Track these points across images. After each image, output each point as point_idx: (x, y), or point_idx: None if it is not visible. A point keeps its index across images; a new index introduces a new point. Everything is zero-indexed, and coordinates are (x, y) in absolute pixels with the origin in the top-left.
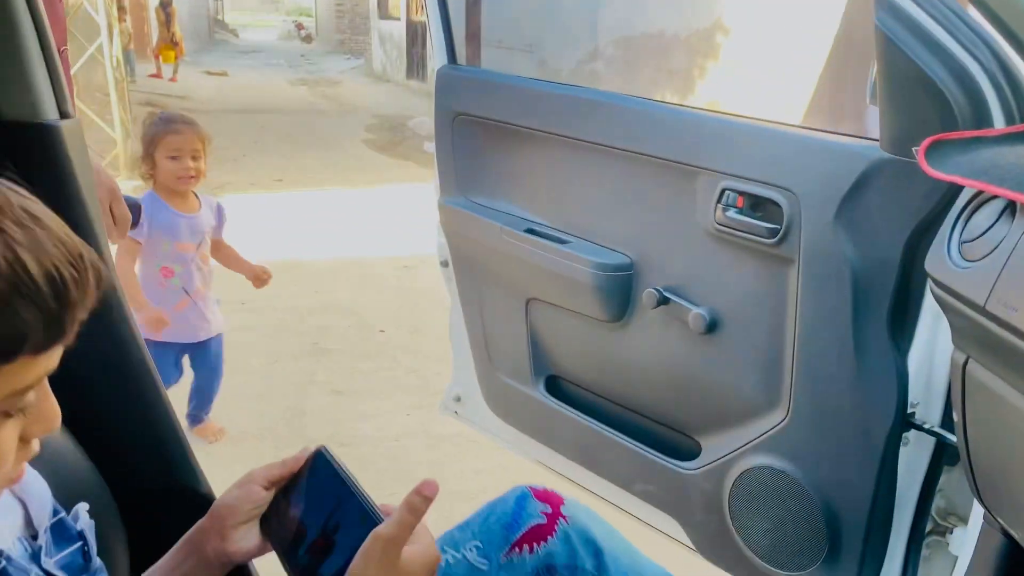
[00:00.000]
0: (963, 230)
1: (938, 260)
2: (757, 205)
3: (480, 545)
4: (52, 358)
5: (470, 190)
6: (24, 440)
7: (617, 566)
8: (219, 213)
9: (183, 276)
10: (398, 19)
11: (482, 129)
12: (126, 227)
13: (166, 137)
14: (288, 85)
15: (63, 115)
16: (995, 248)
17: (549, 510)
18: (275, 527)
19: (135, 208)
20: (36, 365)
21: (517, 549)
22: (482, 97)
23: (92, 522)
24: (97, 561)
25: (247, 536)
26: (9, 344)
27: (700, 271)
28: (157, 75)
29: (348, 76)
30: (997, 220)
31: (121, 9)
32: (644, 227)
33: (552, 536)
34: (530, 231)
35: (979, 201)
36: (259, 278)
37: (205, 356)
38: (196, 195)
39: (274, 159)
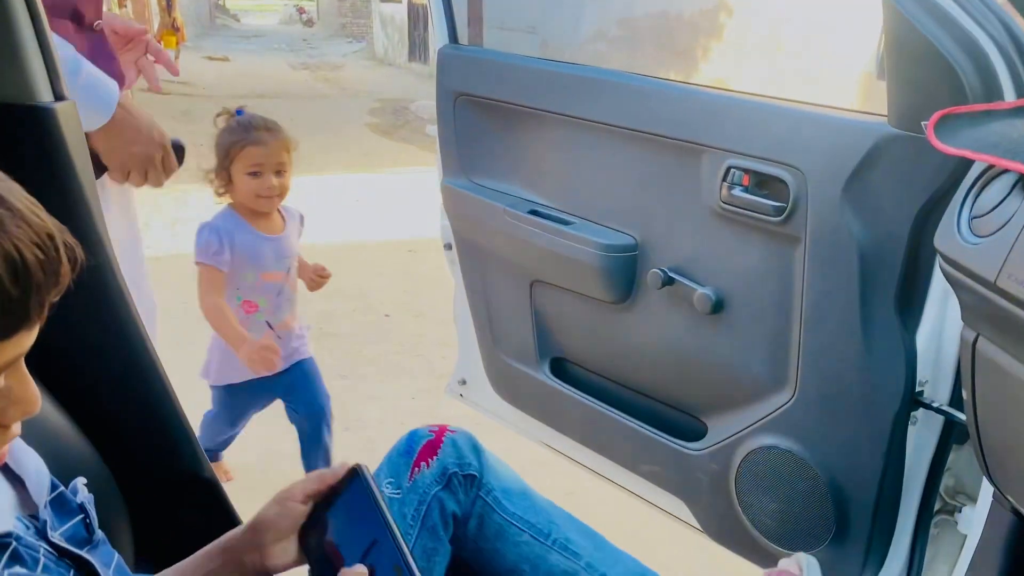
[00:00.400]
0: (973, 205)
1: (947, 236)
2: (763, 183)
3: (392, 480)
4: (21, 342)
5: (473, 171)
6: (2, 425)
7: (495, 464)
8: (301, 225)
9: (268, 310)
10: (399, 2)
11: (484, 109)
12: (172, 173)
13: (245, 149)
14: (290, 70)
15: (57, 97)
16: (1006, 223)
17: (436, 429)
18: (312, 545)
19: (179, 149)
20: (3, 350)
21: (417, 468)
22: (484, 77)
23: (91, 495)
24: (99, 533)
25: (286, 551)
26: None
27: (705, 251)
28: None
29: (350, 60)
30: (1008, 195)
31: None
32: (648, 207)
33: (441, 447)
34: (533, 212)
35: (989, 176)
36: (314, 280)
37: (293, 387)
38: (280, 210)
39: None
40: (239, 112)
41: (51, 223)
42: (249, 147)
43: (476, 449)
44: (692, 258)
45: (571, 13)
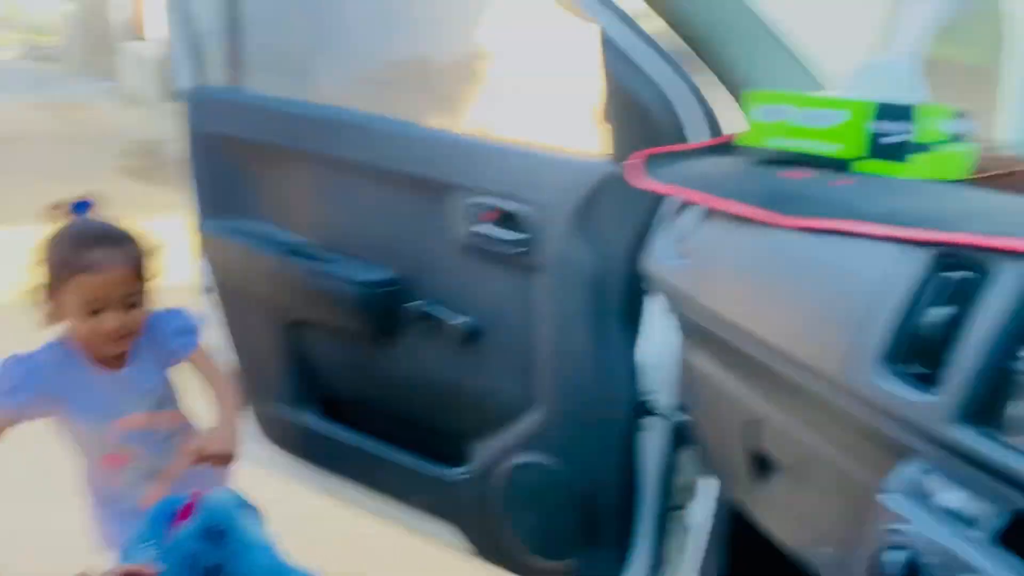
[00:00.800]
0: (674, 231)
1: (655, 259)
2: (505, 218)
3: (153, 541)
4: None
5: (229, 213)
6: None
7: (250, 522)
8: (183, 329)
9: (143, 458)
10: (148, 40)
11: (238, 151)
12: None
13: (77, 278)
14: (29, 110)
15: None
16: (697, 246)
17: (193, 494)
18: None
19: None
20: None
21: (175, 527)
22: (237, 119)
23: None
24: None
25: None
26: None
27: (458, 283)
28: None
29: (97, 99)
30: (698, 222)
31: None
32: (405, 243)
33: (196, 509)
34: (292, 251)
35: (685, 205)
36: (201, 452)
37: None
38: None
39: (17, 193)
40: (79, 207)
41: None
42: (81, 276)
43: (233, 509)
44: (447, 290)
45: (340, 56)
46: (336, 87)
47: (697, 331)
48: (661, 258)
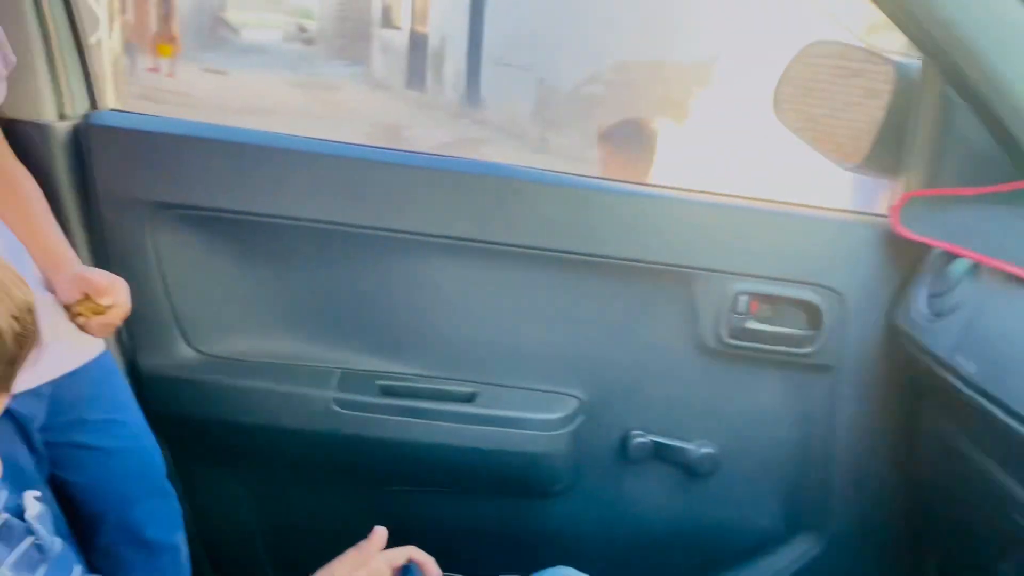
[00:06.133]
0: (932, 284)
1: (908, 315)
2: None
3: None
4: None
5: (196, 336)
6: None
7: None
8: None
9: None
10: (400, 28)
11: (191, 226)
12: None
13: None
14: (286, 87)
15: (62, 116)
16: (959, 304)
17: None
18: None
19: None
20: None
21: None
22: (180, 170)
23: (43, 508)
24: (55, 546)
25: None
26: None
27: (696, 398)
28: (155, 69)
29: (347, 82)
30: (962, 278)
31: None
32: (605, 354)
33: None
34: (387, 391)
35: (948, 258)
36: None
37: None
38: None
39: None
40: None
41: (28, 293)
42: None
43: None
44: (678, 411)
45: (575, 54)
46: (566, 84)
47: (947, 398)
48: (915, 314)
